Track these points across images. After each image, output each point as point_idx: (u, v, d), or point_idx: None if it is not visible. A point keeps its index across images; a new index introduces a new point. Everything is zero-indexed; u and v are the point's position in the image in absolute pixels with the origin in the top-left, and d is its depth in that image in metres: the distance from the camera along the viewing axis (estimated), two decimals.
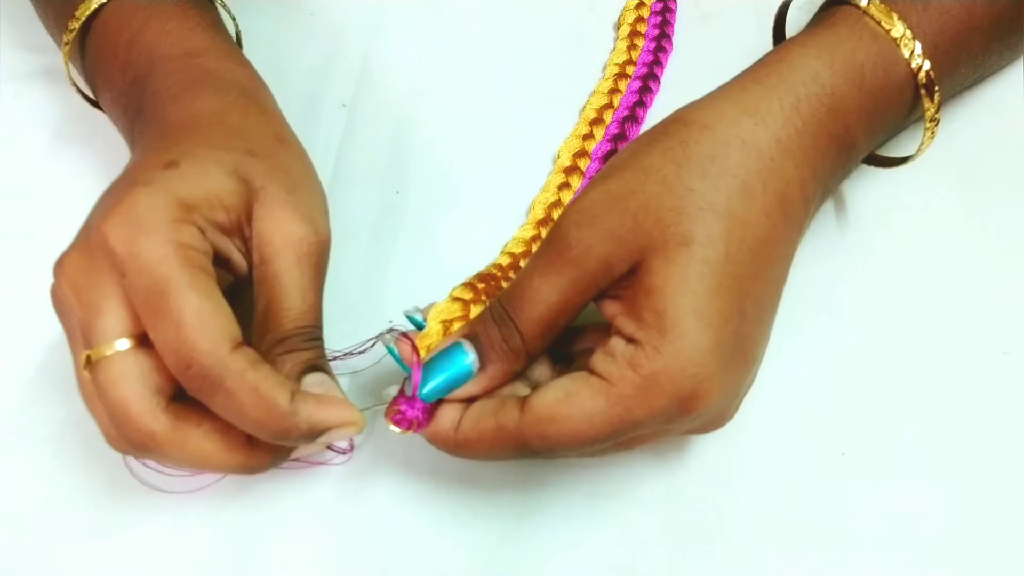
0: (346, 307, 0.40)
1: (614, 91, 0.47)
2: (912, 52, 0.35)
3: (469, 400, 0.33)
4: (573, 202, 0.32)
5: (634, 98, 0.46)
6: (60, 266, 0.31)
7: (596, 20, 0.50)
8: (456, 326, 0.34)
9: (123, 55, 0.38)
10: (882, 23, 0.35)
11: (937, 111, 0.36)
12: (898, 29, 0.35)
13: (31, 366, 0.39)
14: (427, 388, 0.32)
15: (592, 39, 0.49)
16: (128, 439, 0.30)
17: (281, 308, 0.32)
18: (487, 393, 0.33)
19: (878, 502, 0.36)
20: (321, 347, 0.33)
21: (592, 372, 0.30)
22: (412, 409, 0.32)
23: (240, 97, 0.36)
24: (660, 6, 0.50)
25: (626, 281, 0.31)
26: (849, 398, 0.38)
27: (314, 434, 0.31)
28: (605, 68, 0.48)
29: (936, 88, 0.35)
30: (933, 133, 0.37)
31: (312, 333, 0.33)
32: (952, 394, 0.38)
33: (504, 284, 0.37)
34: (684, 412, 0.30)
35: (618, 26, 0.49)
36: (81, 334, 0.31)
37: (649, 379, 0.29)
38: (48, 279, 0.32)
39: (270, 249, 0.32)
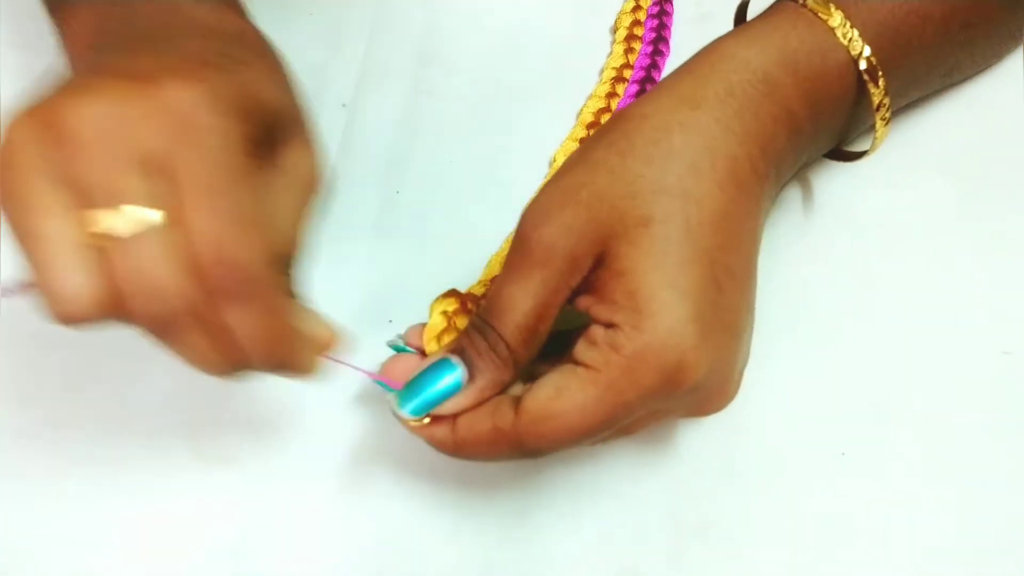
0: (346, 307, 0.40)
1: (611, 95, 0.47)
2: (850, 39, 0.35)
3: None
4: (529, 203, 0.32)
5: (631, 102, 0.46)
6: (91, 94, 0.26)
7: (593, 23, 0.50)
8: (447, 338, 0.33)
9: None
10: (819, 13, 0.35)
11: (885, 96, 0.36)
12: (835, 19, 0.35)
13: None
14: (415, 403, 0.32)
15: (589, 43, 0.49)
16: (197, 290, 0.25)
17: None
18: (477, 406, 0.32)
19: (878, 502, 0.36)
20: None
21: (578, 363, 0.30)
22: None
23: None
24: (656, 9, 0.50)
25: (594, 274, 0.31)
26: (849, 398, 0.38)
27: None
28: (602, 72, 0.48)
29: (881, 74, 0.36)
30: (885, 120, 0.37)
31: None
32: (952, 394, 0.38)
33: None
34: (674, 386, 0.30)
35: (615, 29, 0.50)
36: (94, 191, 0.25)
37: (634, 358, 0.29)
38: None
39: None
